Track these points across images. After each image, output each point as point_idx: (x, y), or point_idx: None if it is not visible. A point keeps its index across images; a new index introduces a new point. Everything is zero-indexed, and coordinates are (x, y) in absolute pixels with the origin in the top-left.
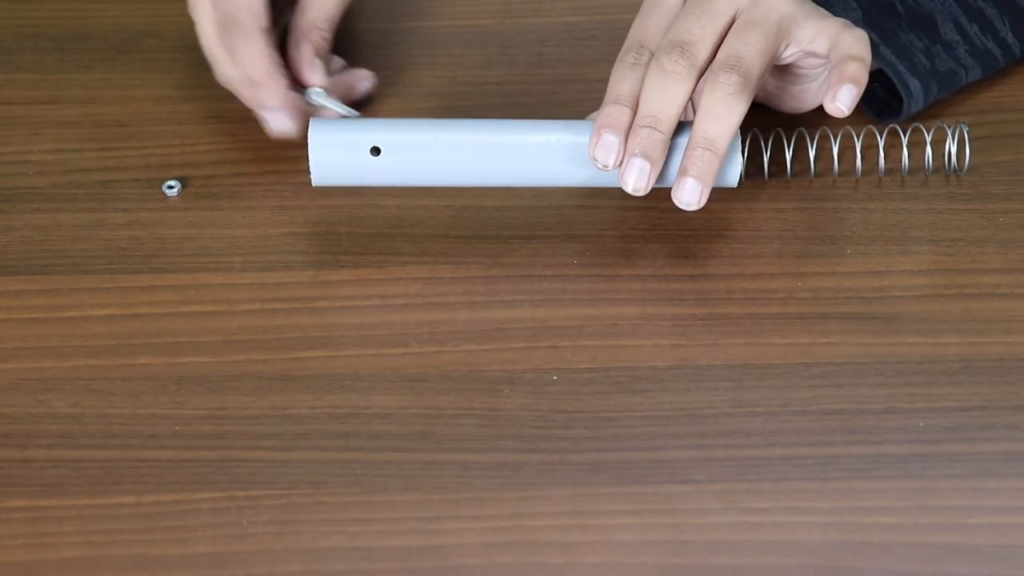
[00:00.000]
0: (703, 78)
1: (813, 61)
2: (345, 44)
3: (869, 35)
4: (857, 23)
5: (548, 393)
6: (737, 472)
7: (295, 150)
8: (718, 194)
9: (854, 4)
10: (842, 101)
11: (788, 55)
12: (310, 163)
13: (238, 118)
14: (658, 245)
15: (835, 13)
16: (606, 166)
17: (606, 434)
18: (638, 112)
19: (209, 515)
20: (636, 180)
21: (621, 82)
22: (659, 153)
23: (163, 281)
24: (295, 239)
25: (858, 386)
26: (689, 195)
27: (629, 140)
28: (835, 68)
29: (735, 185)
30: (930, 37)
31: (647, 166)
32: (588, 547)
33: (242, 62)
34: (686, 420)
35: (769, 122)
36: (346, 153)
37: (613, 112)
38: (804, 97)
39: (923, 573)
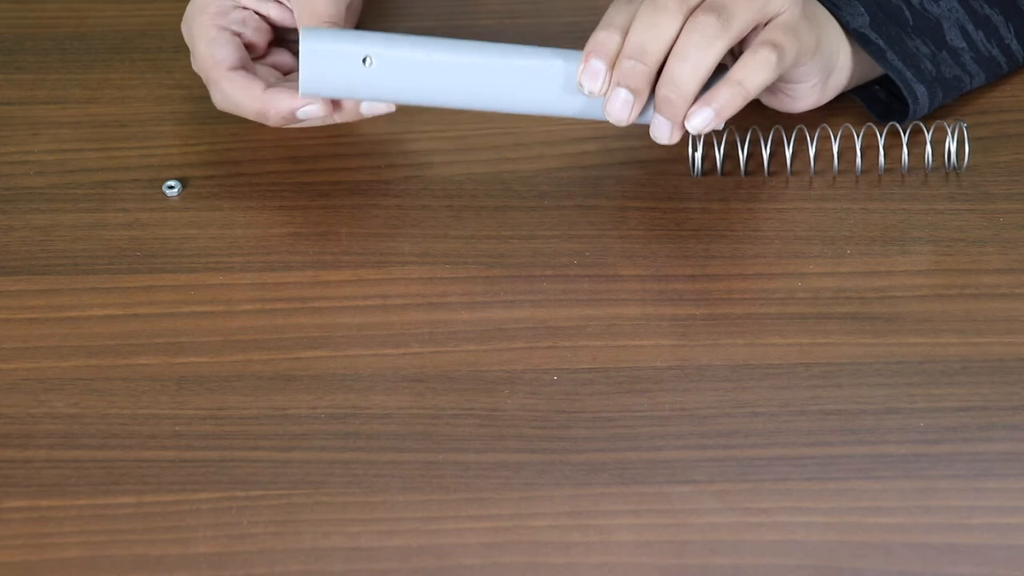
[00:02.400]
0: None
1: (792, 72)
2: None
3: (876, 41)
4: (864, 28)
5: (548, 393)
6: (737, 472)
7: (295, 150)
8: (718, 194)
9: (861, 9)
10: (692, 124)
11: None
12: (300, 72)
13: (238, 118)
14: (658, 245)
15: (842, 18)
16: (592, 92)
17: (606, 434)
18: (625, 42)
19: (209, 515)
20: (619, 111)
21: (616, 14)
22: (643, 85)
23: (163, 281)
24: (295, 239)
25: (858, 386)
26: (660, 133)
27: (615, 70)
28: (717, 83)
29: (720, 126)
30: (936, 44)
31: (630, 98)
32: (588, 547)
33: (236, 105)
34: (686, 420)
35: (769, 120)
36: (337, 63)
37: (602, 38)
38: (796, 96)
39: (923, 573)
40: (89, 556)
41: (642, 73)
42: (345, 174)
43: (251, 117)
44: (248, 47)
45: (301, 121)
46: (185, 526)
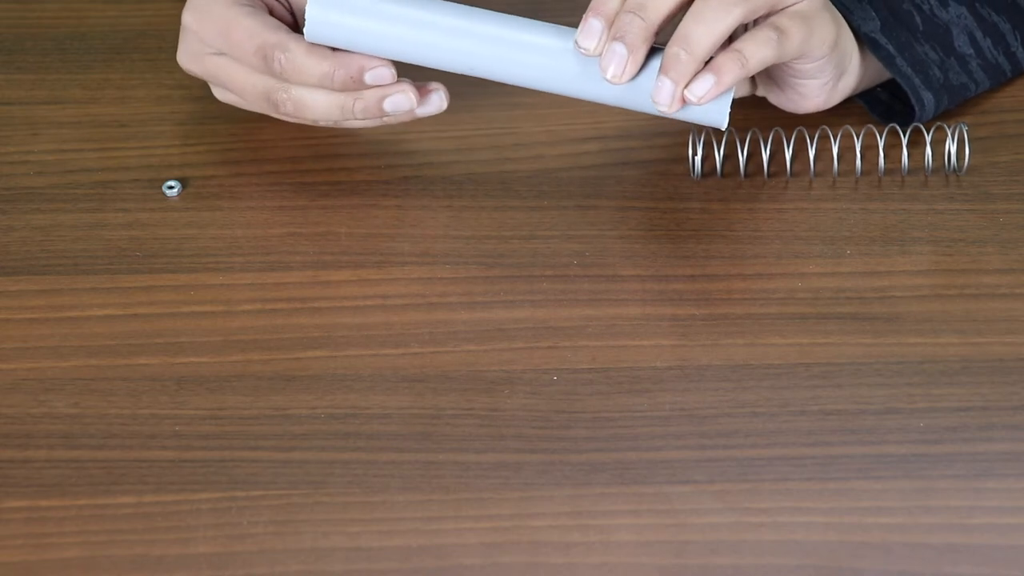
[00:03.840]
0: None
1: (806, 66)
2: None
3: (886, 46)
4: (874, 33)
5: (548, 393)
6: (737, 472)
7: (295, 150)
8: (718, 194)
9: (872, 13)
10: (692, 91)
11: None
12: (306, 13)
13: (238, 118)
14: (658, 245)
15: (854, 21)
16: (587, 50)
17: (606, 434)
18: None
19: (209, 515)
20: (614, 67)
21: None
22: (639, 40)
23: (163, 281)
24: (295, 239)
25: (858, 386)
26: (662, 95)
27: (612, 26)
28: (718, 53)
29: (724, 126)
30: (945, 50)
31: (625, 52)
32: (588, 547)
33: (301, 71)
34: (686, 420)
35: (769, 122)
36: (344, 6)
37: None
38: (805, 93)
39: (923, 573)
40: (89, 556)
41: (639, 27)
42: (345, 174)
43: (313, 82)
44: None
45: (352, 113)
46: (185, 526)
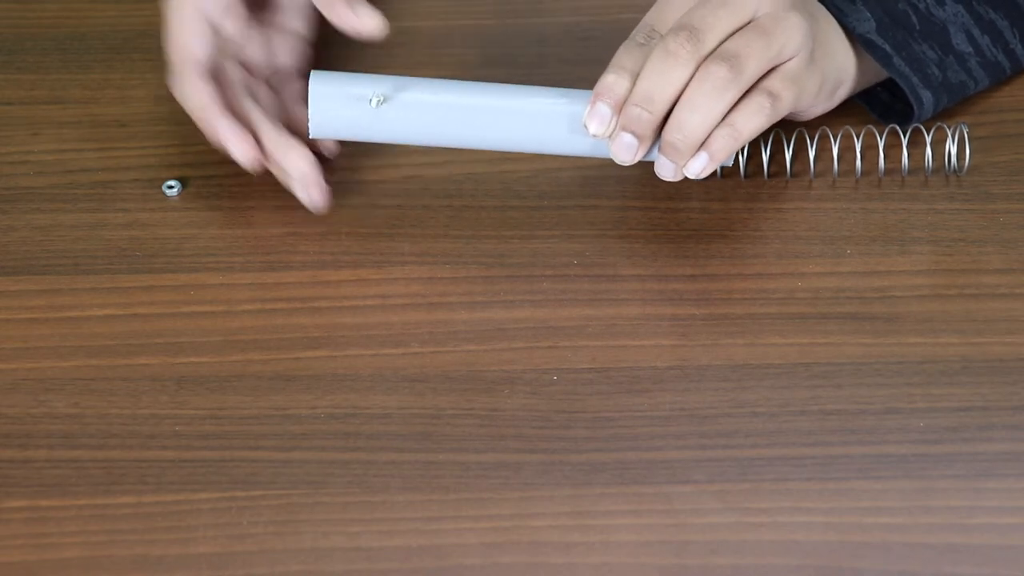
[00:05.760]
0: None
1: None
2: (346, 44)
3: (883, 46)
4: (870, 34)
5: (548, 393)
6: (737, 472)
7: None
8: (718, 194)
9: (867, 15)
10: (689, 169)
11: None
12: (309, 114)
13: None
14: (658, 245)
15: (849, 23)
16: (597, 135)
17: (606, 434)
18: (634, 88)
19: (209, 515)
20: (624, 154)
21: (626, 56)
22: (648, 132)
23: (163, 281)
24: (295, 239)
25: (858, 386)
26: (664, 172)
27: (621, 115)
28: (714, 129)
29: (729, 164)
30: (943, 49)
31: (635, 143)
32: (588, 547)
33: (184, 102)
34: (686, 420)
35: None
36: (345, 105)
37: (610, 82)
38: (801, 114)
39: (923, 573)
40: (89, 556)
41: (648, 121)
42: (345, 174)
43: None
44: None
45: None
46: (185, 526)
